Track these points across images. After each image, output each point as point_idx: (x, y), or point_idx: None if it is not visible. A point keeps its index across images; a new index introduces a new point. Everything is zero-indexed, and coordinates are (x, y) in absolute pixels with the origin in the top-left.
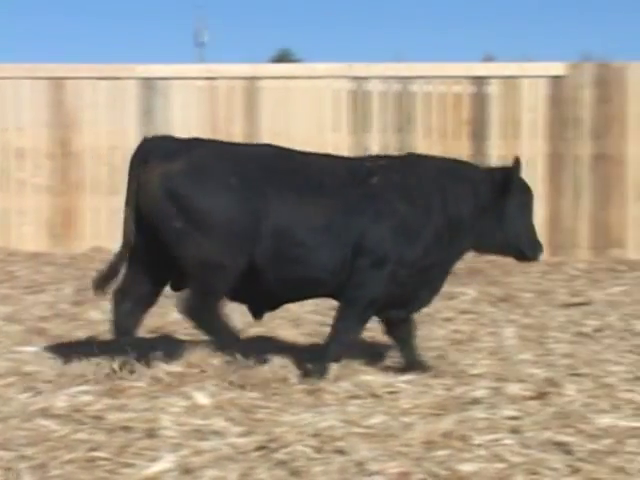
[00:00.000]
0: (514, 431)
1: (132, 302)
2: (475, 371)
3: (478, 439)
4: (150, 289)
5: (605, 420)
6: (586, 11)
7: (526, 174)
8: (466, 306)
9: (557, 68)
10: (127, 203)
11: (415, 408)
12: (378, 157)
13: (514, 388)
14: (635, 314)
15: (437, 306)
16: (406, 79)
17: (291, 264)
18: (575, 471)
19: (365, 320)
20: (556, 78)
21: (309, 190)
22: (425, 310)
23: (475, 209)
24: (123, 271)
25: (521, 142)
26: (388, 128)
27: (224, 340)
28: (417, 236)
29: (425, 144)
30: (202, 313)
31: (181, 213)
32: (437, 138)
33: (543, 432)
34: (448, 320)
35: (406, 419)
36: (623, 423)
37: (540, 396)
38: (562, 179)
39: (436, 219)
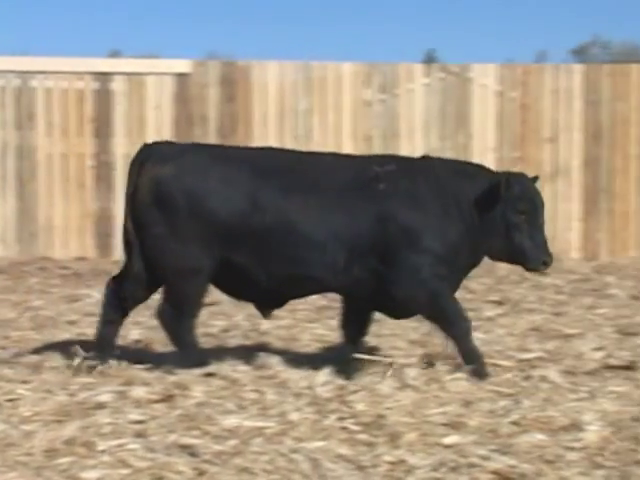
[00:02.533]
0: (139, 435)
1: (121, 299)
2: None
3: (102, 445)
4: (143, 289)
5: (231, 421)
6: (213, 9)
7: None
8: (90, 309)
9: (183, 66)
10: (125, 206)
11: (36, 415)
12: (387, 158)
13: (139, 391)
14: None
15: (61, 309)
16: (26, 74)
17: (290, 263)
18: (201, 473)
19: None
20: (182, 76)
21: (304, 190)
22: (47, 313)
23: (486, 214)
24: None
25: (147, 140)
26: (7, 125)
27: (187, 352)
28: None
29: (47, 142)
30: (172, 321)
31: (163, 217)
32: (59, 135)
33: (169, 435)
34: (72, 323)
35: (26, 427)
36: (248, 423)
37: (166, 399)
38: None
39: (450, 223)
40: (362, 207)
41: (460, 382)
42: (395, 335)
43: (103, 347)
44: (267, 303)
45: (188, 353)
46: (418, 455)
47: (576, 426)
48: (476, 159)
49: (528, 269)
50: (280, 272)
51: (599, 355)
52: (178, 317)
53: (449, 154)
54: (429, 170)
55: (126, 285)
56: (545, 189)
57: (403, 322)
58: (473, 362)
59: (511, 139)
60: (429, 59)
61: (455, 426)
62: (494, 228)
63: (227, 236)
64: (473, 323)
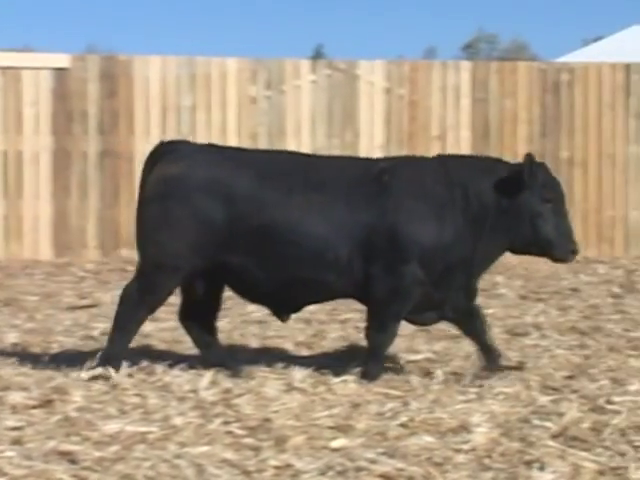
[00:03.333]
0: (16, 442)
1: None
2: None
3: None
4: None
5: (112, 426)
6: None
7: (29, 171)
8: None
9: (61, 60)
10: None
11: None
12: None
13: (16, 397)
14: None
15: None
16: None
17: (294, 266)
18: None
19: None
20: (60, 70)
21: (309, 193)
22: None
23: (500, 206)
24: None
25: (24, 137)
26: None
27: (112, 347)
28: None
29: None
30: (128, 303)
31: (160, 214)
32: None
33: (47, 442)
34: None
35: None
36: (130, 428)
37: (45, 404)
38: (68, 176)
39: (456, 217)
40: (366, 207)
41: (348, 384)
42: (281, 337)
43: None
44: (280, 307)
45: (113, 348)
46: (305, 459)
47: (464, 428)
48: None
49: (556, 259)
50: (285, 275)
51: None
52: (136, 303)
53: (336, 152)
54: (439, 168)
55: None
56: None
57: (290, 323)
58: (374, 365)
59: (399, 137)
60: (317, 55)
61: (343, 429)
62: (518, 219)
63: (229, 238)
64: (363, 324)
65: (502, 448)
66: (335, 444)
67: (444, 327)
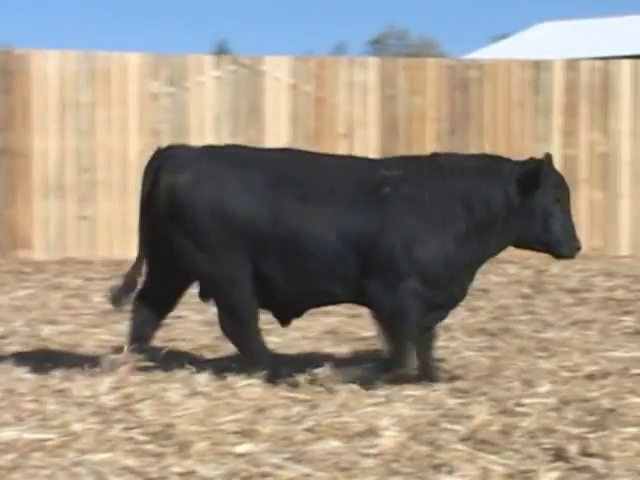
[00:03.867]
0: None
1: (150, 310)
2: None
3: None
4: (168, 296)
5: (8, 433)
6: None
7: None
8: None
9: None
10: (140, 213)
11: None
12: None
13: None
14: (41, 319)
15: None
16: None
17: (304, 273)
18: None
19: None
20: None
21: (321, 197)
22: None
23: (506, 205)
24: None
25: None
26: None
27: (256, 358)
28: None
29: None
30: (234, 329)
31: (186, 228)
32: None
33: None
34: None
35: None
36: (27, 435)
37: None
38: None
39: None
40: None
41: (253, 388)
42: (185, 340)
43: None
44: (284, 312)
45: (258, 359)
46: (209, 465)
47: (372, 432)
48: None
49: (561, 256)
50: (297, 282)
51: None
52: (237, 325)
53: None
54: (438, 170)
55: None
56: None
57: (193, 326)
58: (396, 367)
59: (305, 134)
60: (221, 51)
61: (247, 434)
62: (530, 219)
63: (252, 243)
64: (267, 326)
65: (410, 452)
66: (240, 449)
67: (353, 329)
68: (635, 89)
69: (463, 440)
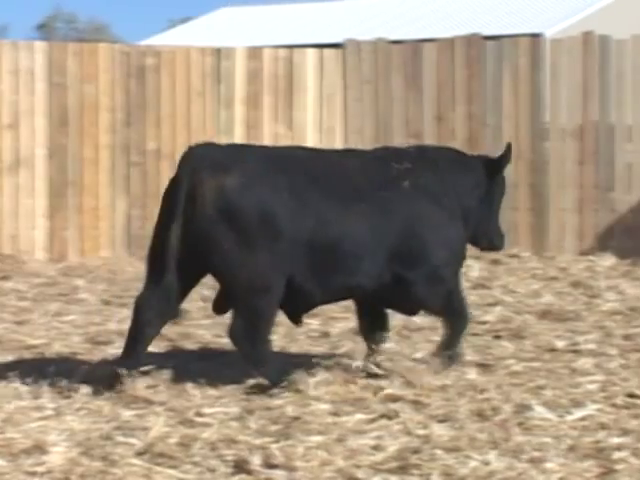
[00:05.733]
0: None
1: (153, 313)
2: None
3: None
4: (174, 300)
5: None
6: None
7: None
8: None
9: None
10: (172, 219)
11: None
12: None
13: None
14: None
15: None
16: None
17: (334, 272)
18: None
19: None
20: None
21: (351, 196)
22: None
23: (476, 199)
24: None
25: None
26: None
27: (267, 372)
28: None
29: None
30: (249, 340)
31: (234, 232)
32: None
33: None
34: None
35: None
36: None
37: None
38: None
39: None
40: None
41: None
42: None
43: None
44: (298, 310)
45: (268, 370)
46: None
47: (39, 448)
48: None
49: (495, 249)
50: (329, 282)
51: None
52: (252, 335)
53: None
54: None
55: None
56: (5, 182)
57: None
58: (454, 350)
59: None
60: None
61: None
62: (489, 212)
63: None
64: None
65: (81, 469)
66: None
67: (19, 337)
68: (320, 80)
69: (139, 454)
